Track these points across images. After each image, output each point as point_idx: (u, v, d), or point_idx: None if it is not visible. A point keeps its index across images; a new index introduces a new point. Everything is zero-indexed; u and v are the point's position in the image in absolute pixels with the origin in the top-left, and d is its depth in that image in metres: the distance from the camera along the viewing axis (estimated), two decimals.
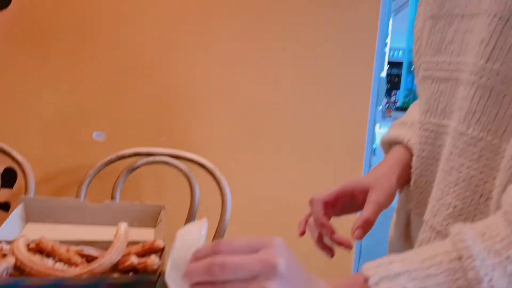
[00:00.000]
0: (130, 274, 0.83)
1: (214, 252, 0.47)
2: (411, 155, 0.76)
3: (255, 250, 0.47)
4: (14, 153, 1.51)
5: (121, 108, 1.73)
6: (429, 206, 0.68)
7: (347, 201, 0.72)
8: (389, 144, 0.83)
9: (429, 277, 0.48)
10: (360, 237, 0.67)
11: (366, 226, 0.67)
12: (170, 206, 1.37)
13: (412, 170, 0.74)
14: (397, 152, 0.79)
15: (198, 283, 0.47)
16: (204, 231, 0.54)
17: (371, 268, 0.50)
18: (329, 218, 0.71)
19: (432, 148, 0.71)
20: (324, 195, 0.71)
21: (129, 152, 1.52)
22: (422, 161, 0.72)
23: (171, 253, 0.52)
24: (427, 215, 0.68)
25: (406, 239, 0.82)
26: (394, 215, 0.86)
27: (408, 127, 0.81)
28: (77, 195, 1.44)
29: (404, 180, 0.78)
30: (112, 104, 1.73)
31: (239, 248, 0.47)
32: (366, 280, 0.49)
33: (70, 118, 1.71)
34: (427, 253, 0.50)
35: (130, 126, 1.74)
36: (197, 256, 0.48)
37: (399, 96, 9.23)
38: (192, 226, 0.55)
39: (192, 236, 0.53)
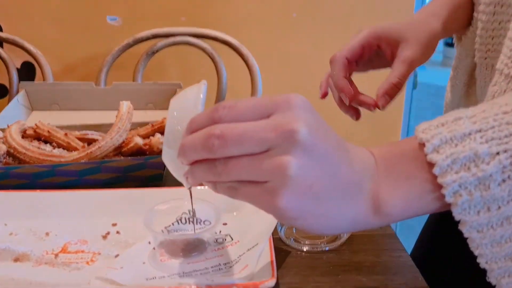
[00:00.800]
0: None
1: (212, 119, 0.34)
2: None
3: (266, 114, 0.33)
4: (27, 44, 1.40)
5: None
6: (505, 51, 0.52)
7: (374, 54, 0.59)
8: None
9: None
10: (385, 106, 0.56)
11: (392, 92, 0.56)
12: None
13: (483, 7, 0.56)
14: None
15: (196, 162, 0.35)
16: (202, 95, 0.40)
17: (428, 129, 0.35)
18: (350, 74, 0.59)
19: None
20: (346, 50, 0.57)
21: (147, 34, 1.38)
22: None
23: (166, 127, 0.40)
24: (501, 63, 0.52)
25: (467, 98, 0.66)
26: (451, 74, 0.69)
27: None
28: (97, 85, 1.34)
29: (457, 24, 0.61)
30: None
31: (244, 113, 0.34)
32: (421, 145, 0.34)
33: (81, 4, 1.56)
34: (509, 105, 0.35)
35: (147, 8, 1.57)
36: (192, 127, 0.35)
37: None
38: (188, 91, 0.41)
39: (188, 103, 0.40)
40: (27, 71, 1.61)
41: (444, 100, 0.73)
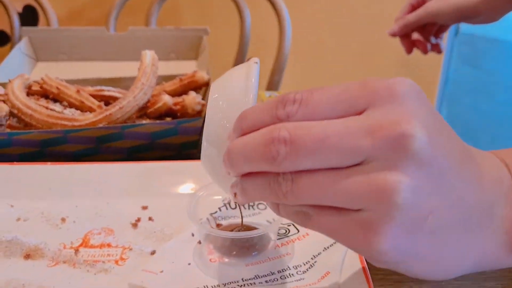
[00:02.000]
0: (168, 119, 0.61)
1: (276, 117, 0.23)
2: None
3: (356, 108, 0.22)
4: None
5: None
6: None
7: None
8: None
9: None
10: (392, 34, 0.74)
11: (401, 28, 0.72)
12: (216, 38, 1.11)
13: None
14: None
15: (251, 174, 0.24)
16: (254, 79, 0.28)
17: None
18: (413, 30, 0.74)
19: None
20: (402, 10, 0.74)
21: None
22: None
23: (206, 119, 0.28)
24: None
25: None
26: None
27: None
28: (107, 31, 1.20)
29: None
30: None
31: (324, 107, 0.22)
32: None
33: None
34: None
35: None
36: (244, 126, 0.24)
37: None
38: (234, 73, 0.29)
39: (235, 90, 0.28)
40: (30, 16, 1.46)
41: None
